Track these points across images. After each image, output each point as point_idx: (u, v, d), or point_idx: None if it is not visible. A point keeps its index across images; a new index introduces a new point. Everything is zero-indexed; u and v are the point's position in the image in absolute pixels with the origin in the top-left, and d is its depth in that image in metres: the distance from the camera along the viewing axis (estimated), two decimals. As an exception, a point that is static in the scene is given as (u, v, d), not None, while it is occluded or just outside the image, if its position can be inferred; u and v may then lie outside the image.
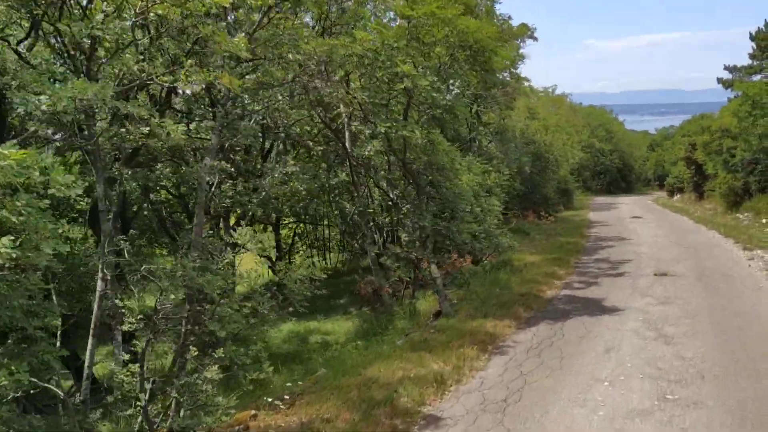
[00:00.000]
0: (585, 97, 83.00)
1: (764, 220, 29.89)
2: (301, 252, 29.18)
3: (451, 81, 15.41)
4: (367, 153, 15.26)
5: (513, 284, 18.53)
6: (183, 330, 9.84)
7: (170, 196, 18.49)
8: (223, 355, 9.24)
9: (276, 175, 14.24)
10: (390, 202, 18.20)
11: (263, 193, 13.89)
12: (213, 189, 12.33)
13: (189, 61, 9.46)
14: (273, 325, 19.93)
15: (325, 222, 28.51)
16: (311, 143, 21.50)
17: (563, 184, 46.58)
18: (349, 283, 24.59)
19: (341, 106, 16.11)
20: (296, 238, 29.77)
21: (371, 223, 19.88)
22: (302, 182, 15.21)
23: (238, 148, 18.20)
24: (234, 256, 14.90)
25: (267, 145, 19.07)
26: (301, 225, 28.09)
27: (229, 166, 16.36)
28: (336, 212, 23.05)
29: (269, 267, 26.34)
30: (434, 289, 17.26)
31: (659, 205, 49.35)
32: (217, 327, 9.81)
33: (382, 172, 18.05)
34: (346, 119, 15.99)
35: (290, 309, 12.42)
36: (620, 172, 78.36)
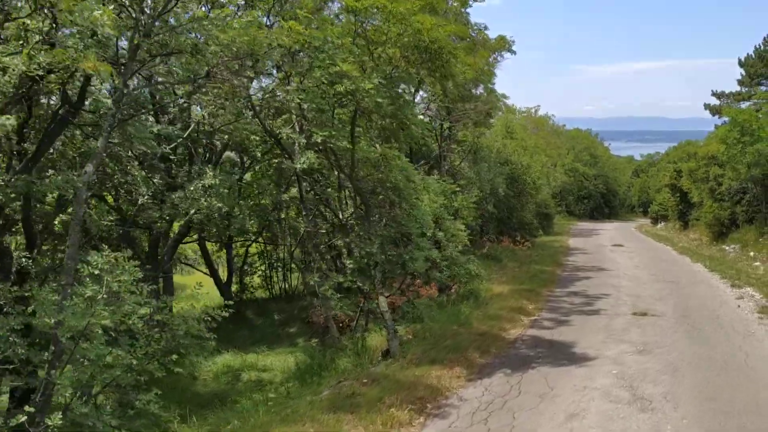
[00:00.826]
0: (571, 122, 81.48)
1: (752, 253, 28.03)
2: (258, 272, 26.85)
3: (402, 86, 13.37)
4: (300, 165, 13.09)
5: (474, 320, 16.41)
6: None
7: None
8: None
9: (192, 188, 12.07)
10: (341, 224, 16.04)
11: (175, 208, 11.69)
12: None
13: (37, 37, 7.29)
14: (208, 357, 17.78)
15: (288, 241, 26.29)
16: (259, 153, 19.37)
17: (543, 208, 44.73)
18: (304, 309, 22.40)
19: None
20: (256, 257, 27.47)
21: (320, 246, 17.73)
22: (220, 198, 12.97)
23: (172, 157, 16.07)
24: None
25: (202, 151, 16.85)
26: (259, 244, 25.83)
27: (150, 175, 14.15)
28: (288, 231, 20.87)
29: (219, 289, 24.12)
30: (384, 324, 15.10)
31: (642, 233, 47.59)
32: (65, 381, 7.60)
33: (330, 189, 15.95)
34: (283, 126, 13.86)
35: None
36: (604, 197, 76.80)
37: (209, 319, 10.03)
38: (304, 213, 17.33)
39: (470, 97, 24.37)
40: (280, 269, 28.57)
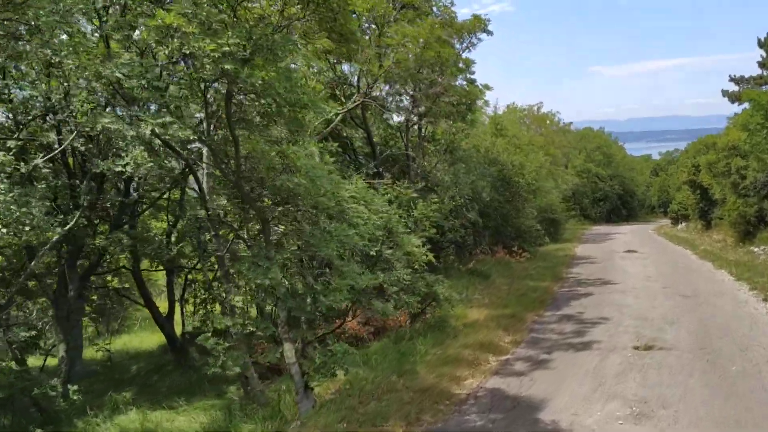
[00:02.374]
0: (590, 125, 77.25)
1: (786, 256, 23.81)
2: (197, 301, 23.05)
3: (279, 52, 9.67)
4: (120, 168, 9.35)
5: (424, 365, 12.53)
6: None
7: None
8: None
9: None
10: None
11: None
12: None
13: None
14: (110, 416, 14.16)
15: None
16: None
17: (549, 212, 40.61)
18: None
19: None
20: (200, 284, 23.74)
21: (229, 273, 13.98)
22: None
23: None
24: None
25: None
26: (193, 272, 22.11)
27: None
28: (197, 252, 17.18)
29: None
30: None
31: (660, 236, 43.19)
32: None
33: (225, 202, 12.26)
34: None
35: None
36: (621, 198, 72.28)
37: None
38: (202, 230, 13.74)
39: (440, 87, 20.56)
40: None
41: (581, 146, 68.29)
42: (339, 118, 17.55)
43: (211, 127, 10.77)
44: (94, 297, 20.76)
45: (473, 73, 24.95)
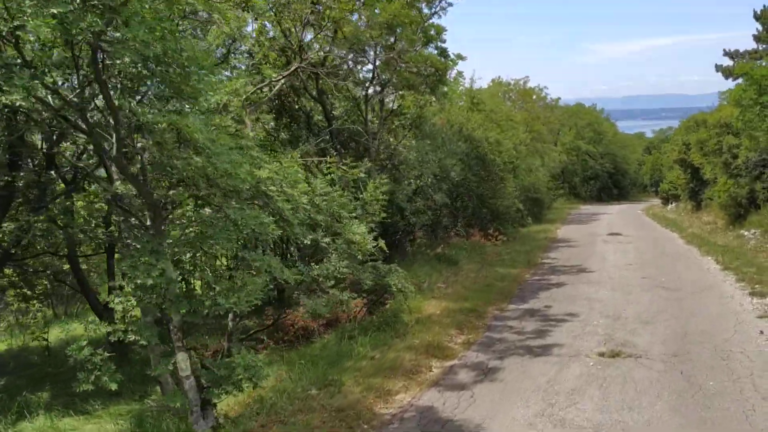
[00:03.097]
0: (584, 103, 75.05)
1: (777, 242, 22.10)
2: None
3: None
4: None
5: (353, 374, 10.78)
6: None
7: None
8: None
9: None
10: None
11: None
12: None
13: None
14: (14, 422, 12.43)
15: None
16: None
17: (532, 192, 38.81)
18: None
19: None
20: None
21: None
22: None
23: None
24: None
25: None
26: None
27: None
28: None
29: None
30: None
31: (649, 216, 41.51)
32: None
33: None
34: None
35: None
36: (612, 177, 70.65)
37: None
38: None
39: (394, 53, 18.60)
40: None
41: (571, 123, 66.33)
42: (278, 88, 15.61)
43: (86, 93, 8.88)
44: (45, 281, 18.97)
45: (444, 41, 22.94)
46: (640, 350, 11.13)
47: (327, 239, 12.79)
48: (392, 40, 17.39)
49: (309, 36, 17.55)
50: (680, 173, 44.30)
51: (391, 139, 21.46)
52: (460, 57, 24.25)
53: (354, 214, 13.73)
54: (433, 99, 22.53)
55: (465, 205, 27.00)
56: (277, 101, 19.20)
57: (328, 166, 14.49)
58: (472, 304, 15.84)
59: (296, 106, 19.32)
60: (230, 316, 10.32)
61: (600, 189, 69.30)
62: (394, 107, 21.68)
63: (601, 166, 67.87)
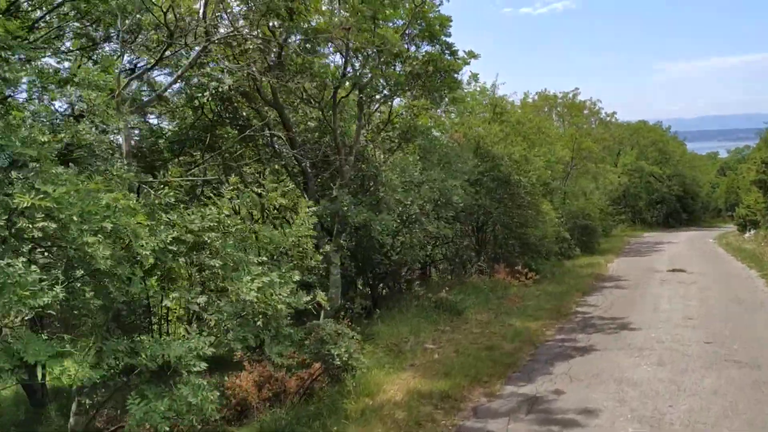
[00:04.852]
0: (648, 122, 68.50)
1: None
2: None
3: None
4: None
5: None
6: None
7: None
8: None
9: None
10: None
11: None
12: None
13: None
14: None
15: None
16: None
17: (580, 219, 33.48)
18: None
19: None
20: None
21: None
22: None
23: None
24: None
25: None
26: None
27: None
28: None
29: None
30: None
31: (721, 246, 35.36)
32: None
33: None
34: None
35: None
36: (681, 201, 63.85)
37: None
38: None
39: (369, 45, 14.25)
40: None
41: (633, 141, 60.30)
42: (174, 81, 11.47)
43: None
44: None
45: (449, 35, 18.57)
46: None
47: (202, 298, 8.55)
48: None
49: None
50: (759, 196, 38.30)
51: (381, 156, 17.03)
52: (472, 55, 19.79)
53: (263, 258, 9.39)
54: (431, 105, 18.14)
55: (485, 238, 22.21)
56: (220, 106, 15.12)
57: (231, 188, 10.17)
58: (452, 383, 11.10)
59: (242, 114, 15.18)
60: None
61: (667, 214, 62.79)
62: (380, 115, 17.34)
63: (668, 188, 61.44)
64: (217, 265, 8.64)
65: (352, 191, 15.69)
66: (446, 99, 20.33)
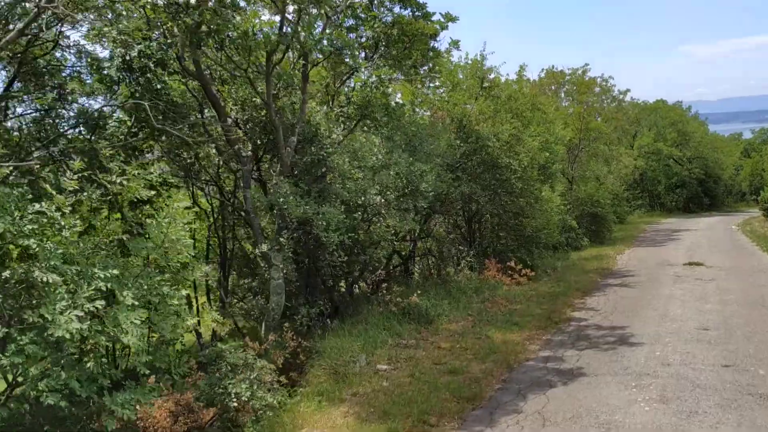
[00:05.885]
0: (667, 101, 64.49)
1: None
2: None
3: None
4: None
5: None
6: None
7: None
8: None
9: None
10: None
11: None
12: None
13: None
14: None
15: None
16: None
17: (589, 206, 30.56)
18: None
19: None
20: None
21: None
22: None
23: None
24: None
25: None
26: None
27: None
28: None
29: None
30: None
31: (745, 234, 32.22)
32: None
33: None
34: None
35: None
36: (703, 184, 60.20)
37: None
38: None
39: None
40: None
41: (650, 122, 56.84)
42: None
43: None
44: None
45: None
46: None
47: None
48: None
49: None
50: (787, 178, 35.18)
51: (334, 135, 14.35)
52: (450, 18, 17.19)
53: (111, 273, 6.90)
54: (406, 79, 15.53)
55: (476, 230, 19.51)
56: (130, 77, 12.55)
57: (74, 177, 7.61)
58: (388, 428, 8.51)
59: (158, 86, 12.58)
60: None
61: (688, 198, 59.25)
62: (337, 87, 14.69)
63: (688, 171, 57.84)
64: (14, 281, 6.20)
65: (298, 180, 13.13)
66: (423, 71, 17.75)
